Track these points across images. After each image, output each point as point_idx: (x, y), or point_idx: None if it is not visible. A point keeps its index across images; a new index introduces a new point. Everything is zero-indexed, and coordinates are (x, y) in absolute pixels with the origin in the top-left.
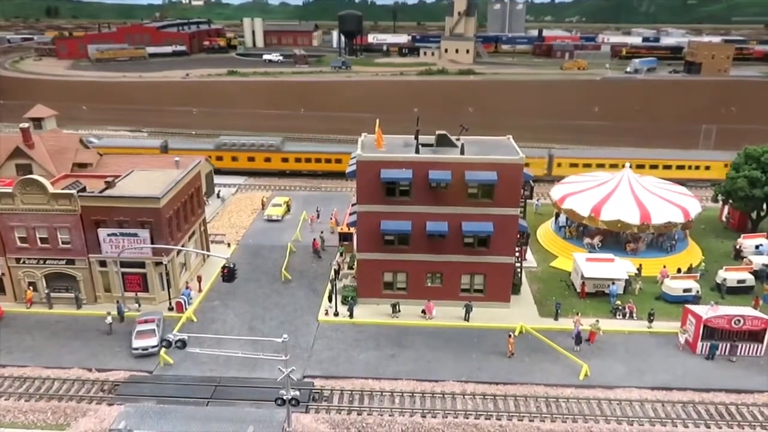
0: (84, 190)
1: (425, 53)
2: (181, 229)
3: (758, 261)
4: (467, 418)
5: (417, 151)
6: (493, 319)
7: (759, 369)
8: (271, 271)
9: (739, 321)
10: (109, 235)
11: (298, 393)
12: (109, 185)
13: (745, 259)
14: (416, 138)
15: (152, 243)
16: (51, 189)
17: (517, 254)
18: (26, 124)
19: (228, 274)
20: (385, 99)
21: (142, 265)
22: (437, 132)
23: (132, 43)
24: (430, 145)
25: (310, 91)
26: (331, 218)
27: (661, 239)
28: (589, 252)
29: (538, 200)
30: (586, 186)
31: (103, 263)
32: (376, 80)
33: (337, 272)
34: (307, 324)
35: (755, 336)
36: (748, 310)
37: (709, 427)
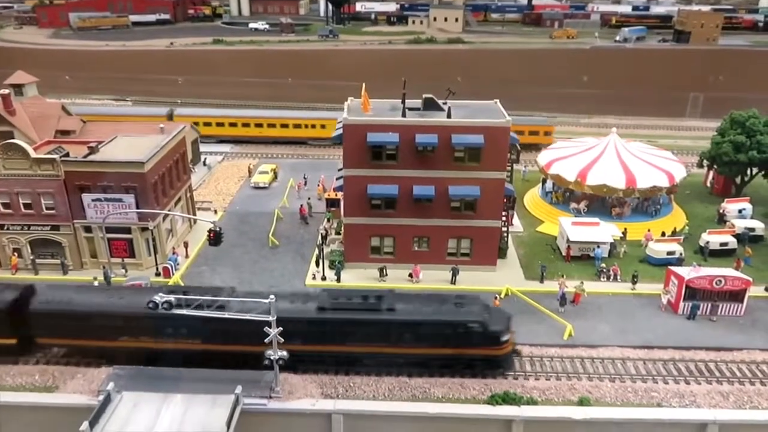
0: (67, 155)
1: (414, 22)
2: (167, 194)
3: (740, 224)
4: (453, 377)
5: (403, 115)
6: (479, 282)
7: (739, 328)
8: (258, 237)
9: (720, 281)
10: (93, 200)
11: (285, 353)
12: (93, 150)
13: (728, 223)
14: (403, 102)
15: (137, 208)
16: (33, 154)
17: (503, 218)
18: (6, 91)
19: (214, 237)
20: (373, 68)
21: (127, 230)
22: (424, 96)
23: (114, 11)
24: (417, 109)
25: (298, 60)
26: (318, 185)
27: (646, 204)
28: (576, 217)
29: (525, 167)
30: (573, 151)
31: (88, 229)
32: (364, 49)
33: (324, 237)
34: (294, 288)
35: (735, 296)
36: (729, 271)
37: (689, 383)
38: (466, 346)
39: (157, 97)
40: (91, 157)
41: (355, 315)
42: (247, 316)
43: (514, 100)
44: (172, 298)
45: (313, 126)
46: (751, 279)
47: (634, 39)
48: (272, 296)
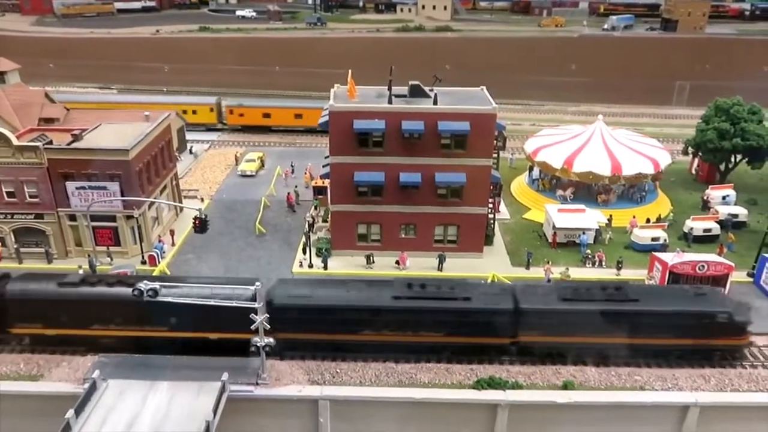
0: (50, 143)
1: (402, 9)
2: (152, 182)
3: (724, 211)
4: (439, 363)
5: (390, 102)
6: (466, 269)
7: None
8: (245, 225)
9: (703, 267)
10: (77, 188)
11: (272, 340)
12: (76, 138)
13: (711, 209)
14: (389, 89)
15: (122, 196)
16: (15, 141)
17: (490, 205)
18: None
19: (200, 224)
20: (361, 56)
21: (112, 218)
22: (410, 83)
23: None
24: (404, 96)
25: (285, 48)
26: (305, 173)
27: (631, 191)
28: (562, 204)
29: (512, 154)
30: (560, 138)
31: (72, 217)
32: (352, 37)
33: (311, 225)
34: (281, 276)
35: (718, 281)
36: (711, 257)
37: (672, 367)
38: (711, 336)
39: (143, 85)
40: (75, 145)
41: (605, 306)
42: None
43: (501, 88)
44: (156, 285)
45: None
46: (733, 264)
47: (621, 27)
48: (258, 283)
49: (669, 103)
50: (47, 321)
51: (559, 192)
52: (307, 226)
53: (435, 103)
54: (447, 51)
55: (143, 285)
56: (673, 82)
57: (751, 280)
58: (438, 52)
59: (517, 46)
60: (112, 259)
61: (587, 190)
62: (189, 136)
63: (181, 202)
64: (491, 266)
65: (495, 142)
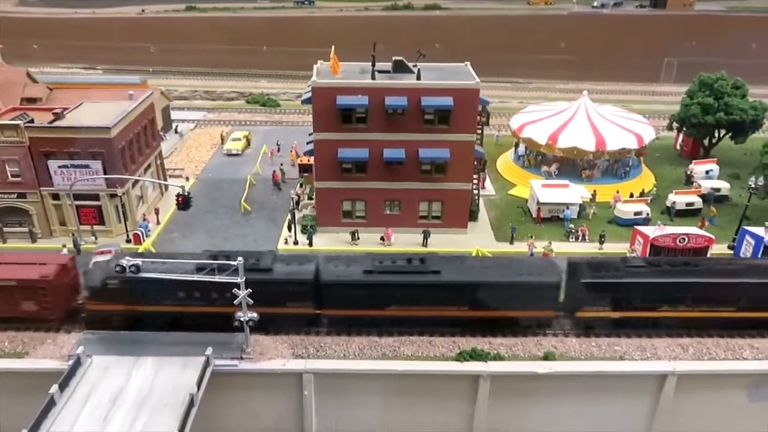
0: (32, 122)
1: None
2: (135, 161)
3: (706, 185)
4: (422, 336)
5: (373, 78)
6: (450, 244)
7: None
8: (230, 204)
9: (683, 239)
10: (60, 167)
11: (255, 315)
12: (58, 117)
13: (694, 184)
14: (372, 64)
15: (105, 174)
16: None
17: (474, 181)
18: None
19: (183, 202)
20: (349, 35)
21: (96, 197)
22: (394, 58)
23: None
24: (387, 72)
25: (273, 27)
26: (291, 150)
27: (615, 166)
28: (547, 179)
29: (498, 131)
30: (545, 115)
31: (56, 196)
32: (340, 16)
33: (297, 202)
34: None
35: (699, 253)
36: (692, 230)
37: (651, 337)
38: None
39: (129, 66)
40: (56, 123)
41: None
42: None
43: (491, 67)
44: (139, 261)
45: None
46: (713, 237)
47: (611, 5)
48: (240, 258)
49: (657, 80)
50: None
51: (544, 168)
52: (292, 203)
53: (418, 78)
54: (436, 29)
55: (125, 261)
56: (662, 59)
57: (731, 252)
58: (427, 30)
59: (506, 24)
60: (96, 238)
61: (572, 165)
62: (175, 115)
63: (165, 180)
64: (476, 242)
65: (479, 117)
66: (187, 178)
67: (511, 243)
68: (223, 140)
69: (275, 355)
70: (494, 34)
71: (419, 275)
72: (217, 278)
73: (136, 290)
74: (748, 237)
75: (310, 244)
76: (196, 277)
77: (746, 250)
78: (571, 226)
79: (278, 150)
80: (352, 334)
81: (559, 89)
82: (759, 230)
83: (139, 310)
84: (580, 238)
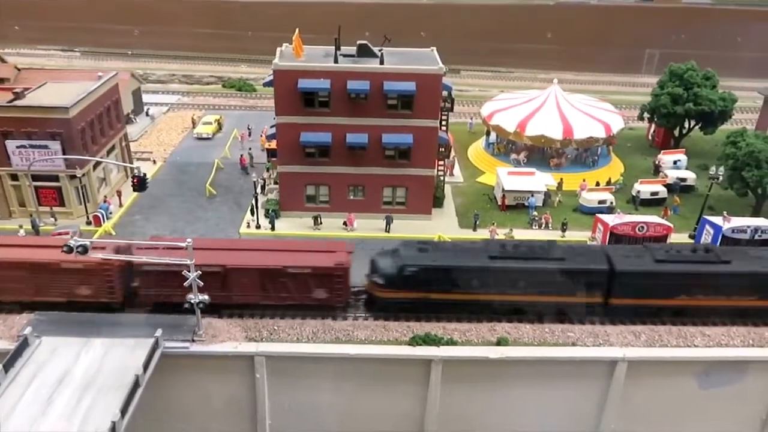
0: None
1: None
2: (97, 142)
3: (673, 175)
4: (377, 320)
5: (336, 61)
6: (413, 230)
7: None
8: (196, 187)
9: (642, 228)
10: (18, 147)
11: (206, 297)
12: (18, 96)
13: (661, 173)
14: (336, 48)
15: (64, 155)
16: None
17: (441, 167)
18: None
19: (139, 183)
20: (333, 21)
21: (56, 178)
22: (358, 42)
23: None
24: (351, 56)
25: (258, 11)
26: (261, 135)
27: (584, 155)
28: (515, 167)
29: (471, 119)
30: (515, 102)
31: (14, 177)
32: (325, 1)
33: (263, 187)
34: (228, 236)
35: (658, 242)
36: (652, 218)
37: (604, 324)
38: None
39: (109, 48)
40: (15, 103)
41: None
42: None
43: (474, 55)
44: (87, 242)
45: None
46: (672, 225)
47: None
48: (189, 240)
49: (639, 71)
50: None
51: (513, 156)
52: (258, 188)
53: (381, 63)
54: (422, 17)
55: (72, 242)
56: (644, 51)
57: (692, 241)
58: (412, 18)
59: (493, 12)
60: (56, 220)
61: (541, 154)
62: (148, 98)
63: (131, 163)
64: (439, 228)
65: (443, 103)
66: (155, 162)
67: (474, 230)
68: (194, 124)
69: (228, 338)
70: (481, 23)
71: (710, 265)
72: (168, 260)
73: (435, 278)
74: (707, 226)
75: (273, 228)
76: (145, 259)
77: (706, 239)
78: (535, 213)
79: (249, 134)
80: (306, 318)
81: (540, 79)
82: (719, 219)
83: (438, 298)
84: (543, 225)
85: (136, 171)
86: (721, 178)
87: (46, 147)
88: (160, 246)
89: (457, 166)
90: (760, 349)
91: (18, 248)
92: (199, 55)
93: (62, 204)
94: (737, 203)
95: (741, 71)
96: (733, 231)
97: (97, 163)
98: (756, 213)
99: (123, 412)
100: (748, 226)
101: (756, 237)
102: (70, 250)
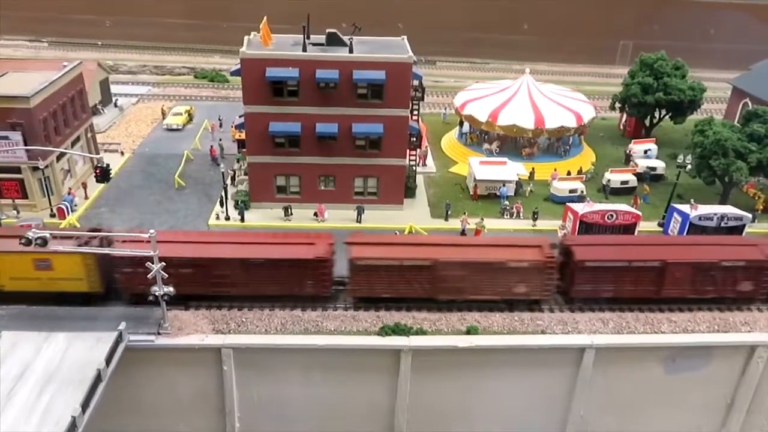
0: None
1: None
2: (61, 133)
3: (643, 164)
4: (347, 311)
5: (304, 50)
6: (384, 221)
7: None
8: (165, 179)
9: (611, 216)
10: None
11: (171, 289)
12: None
13: (632, 162)
14: (305, 36)
15: (25, 146)
16: None
17: (413, 157)
18: None
19: (101, 173)
20: (313, 14)
21: (18, 170)
22: (327, 30)
23: None
24: (321, 45)
25: (233, 2)
26: (232, 126)
27: (556, 144)
28: (487, 157)
29: (445, 109)
30: (487, 92)
31: None
32: None
33: (233, 178)
34: (196, 229)
35: (627, 229)
36: (621, 206)
37: (573, 312)
38: None
39: (77, 39)
40: None
41: None
42: None
43: (447, 45)
44: (47, 233)
45: None
46: (640, 213)
47: None
48: (152, 231)
49: (613, 62)
50: None
51: (486, 145)
52: (228, 179)
53: (351, 51)
54: (399, 8)
55: (31, 234)
56: (618, 42)
57: (661, 229)
58: (389, 9)
59: (471, 3)
60: (18, 212)
61: (513, 143)
62: (117, 89)
63: (97, 154)
64: (411, 218)
65: (414, 92)
66: (122, 153)
67: (446, 220)
68: (164, 115)
69: (194, 331)
70: (458, 14)
71: None
72: (129, 251)
73: None
74: (675, 214)
75: (242, 219)
76: (108, 251)
77: (674, 227)
78: (507, 203)
79: (220, 125)
80: (275, 309)
81: (515, 70)
82: (686, 207)
83: None
84: (515, 215)
85: (98, 162)
86: (689, 166)
87: (6, 138)
88: (128, 239)
89: (430, 156)
90: (724, 335)
91: None
92: (172, 45)
93: (25, 196)
94: (705, 191)
95: (713, 62)
96: (700, 218)
97: (61, 155)
98: (723, 201)
99: (84, 406)
100: (715, 214)
101: (722, 224)
102: (28, 242)
